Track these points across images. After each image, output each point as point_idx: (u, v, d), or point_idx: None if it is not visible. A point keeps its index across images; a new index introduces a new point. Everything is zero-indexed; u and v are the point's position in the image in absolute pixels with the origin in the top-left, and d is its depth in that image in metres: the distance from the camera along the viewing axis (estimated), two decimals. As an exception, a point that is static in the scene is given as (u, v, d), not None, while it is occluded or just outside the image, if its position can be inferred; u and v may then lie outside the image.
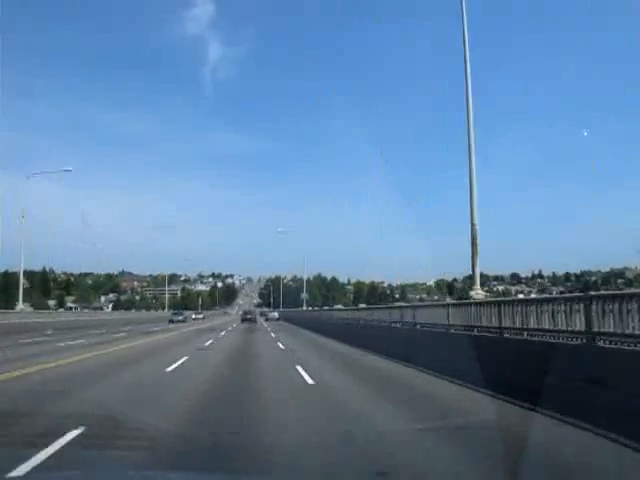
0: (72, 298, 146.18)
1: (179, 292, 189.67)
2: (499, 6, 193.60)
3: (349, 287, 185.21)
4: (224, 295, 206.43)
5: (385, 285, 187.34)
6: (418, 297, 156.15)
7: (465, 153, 14.38)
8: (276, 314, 74.97)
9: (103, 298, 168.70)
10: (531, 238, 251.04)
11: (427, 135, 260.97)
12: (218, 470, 4.69)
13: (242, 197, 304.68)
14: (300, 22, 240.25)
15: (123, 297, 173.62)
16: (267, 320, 68.72)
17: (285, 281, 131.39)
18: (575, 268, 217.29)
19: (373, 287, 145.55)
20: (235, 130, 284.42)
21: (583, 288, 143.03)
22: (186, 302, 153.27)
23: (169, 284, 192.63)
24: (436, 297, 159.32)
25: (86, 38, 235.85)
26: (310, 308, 64.64)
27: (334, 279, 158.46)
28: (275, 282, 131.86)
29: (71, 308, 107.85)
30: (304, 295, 47.46)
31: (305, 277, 46.32)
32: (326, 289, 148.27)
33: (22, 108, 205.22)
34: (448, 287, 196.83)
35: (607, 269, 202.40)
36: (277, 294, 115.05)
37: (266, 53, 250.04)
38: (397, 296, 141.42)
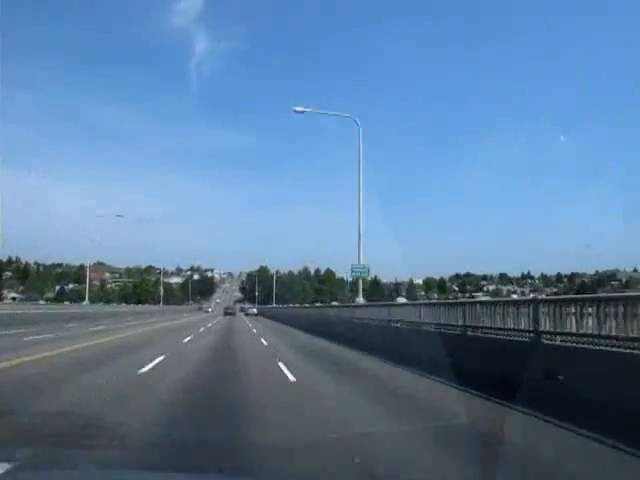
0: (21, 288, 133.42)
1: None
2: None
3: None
4: (200, 289, 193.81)
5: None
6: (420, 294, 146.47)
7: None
8: (255, 310, 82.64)
9: (58, 288, 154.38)
10: (519, 239, 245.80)
11: (411, 135, 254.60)
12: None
13: (227, 193, 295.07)
14: (287, 21, 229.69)
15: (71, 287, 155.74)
16: (247, 315, 74.75)
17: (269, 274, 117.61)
18: (564, 269, 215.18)
19: (376, 282, 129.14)
20: (223, 126, 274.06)
21: (579, 289, 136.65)
22: (140, 293, 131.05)
23: (145, 276, 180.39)
24: (435, 296, 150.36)
25: (83, 33, 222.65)
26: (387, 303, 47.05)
27: (330, 271, 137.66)
28: (262, 273, 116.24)
29: (14, 299, 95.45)
30: (357, 268, 23.08)
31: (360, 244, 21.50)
32: (319, 282, 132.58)
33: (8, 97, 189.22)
34: (439, 286, 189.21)
35: (592, 271, 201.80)
36: (263, 287, 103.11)
37: (255, 50, 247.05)
38: (404, 293, 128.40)
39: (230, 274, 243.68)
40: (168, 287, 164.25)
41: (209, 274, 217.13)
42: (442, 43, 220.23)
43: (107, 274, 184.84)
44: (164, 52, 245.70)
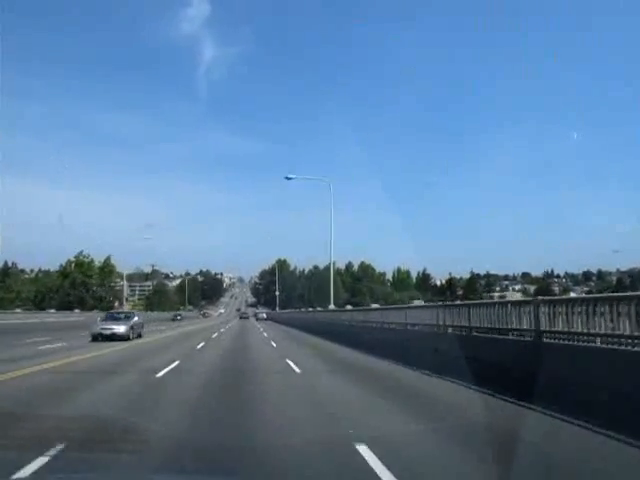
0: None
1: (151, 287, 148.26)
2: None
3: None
4: (206, 293, 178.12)
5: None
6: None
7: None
8: (264, 314, 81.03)
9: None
10: (536, 238, 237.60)
11: (418, 135, 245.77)
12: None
13: (236, 198, 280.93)
14: (290, 24, 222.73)
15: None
16: (257, 320, 73.01)
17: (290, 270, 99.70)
18: (583, 267, 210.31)
19: (425, 277, 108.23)
20: (232, 132, 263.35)
21: (617, 288, 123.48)
22: (67, 291, 71.73)
23: (147, 280, 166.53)
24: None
25: (83, 37, 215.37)
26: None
27: (367, 265, 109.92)
28: (283, 267, 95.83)
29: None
30: None
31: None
32: (353, 280, 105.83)
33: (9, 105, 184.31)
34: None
35: (613, 269, 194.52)
36: (282, 287, 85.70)
37: (259, 55, 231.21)
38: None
39: (241, 279, 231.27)
40: (160, 289, 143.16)
41: (218, 277, 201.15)
42: (450, 44, 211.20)
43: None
44: (168, 58, 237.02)
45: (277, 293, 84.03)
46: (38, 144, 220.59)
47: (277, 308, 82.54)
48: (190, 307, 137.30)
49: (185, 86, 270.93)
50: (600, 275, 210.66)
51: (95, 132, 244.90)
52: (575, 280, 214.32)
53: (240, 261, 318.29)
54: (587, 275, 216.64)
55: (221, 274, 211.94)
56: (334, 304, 51.70)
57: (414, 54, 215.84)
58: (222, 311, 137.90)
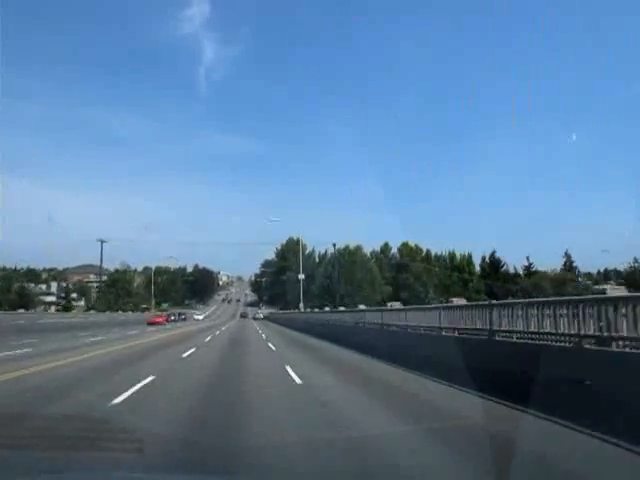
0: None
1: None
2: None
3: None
4: (195, 289, 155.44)
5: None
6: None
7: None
8: (261, 314, 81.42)
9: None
10: (540, 237, 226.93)
11: (417, 134, 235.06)
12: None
13: (235, 198, 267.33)
14: (289, 21, 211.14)
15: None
16: (255, 319, 71.80)
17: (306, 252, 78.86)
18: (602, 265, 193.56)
19: (494, 263, 79.83)
20: (232, 132, 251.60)
21: None
22: None
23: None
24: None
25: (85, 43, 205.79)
26: None
27: (411, 249, 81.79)
28: (292, 248, 74.17)
29: None
30: None
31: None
32: (395, 268, 79.57)
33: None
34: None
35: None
36: (291, 278, 64.79)
37: (258, 53, 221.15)
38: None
39: (240, 278, 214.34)
40: (119, 280, 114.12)
41: (212, 274, 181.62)
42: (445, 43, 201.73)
43: (91, 276, 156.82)
44: (167, 58, 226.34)
45: (301, 277, 55.34)
46: (36, 144, 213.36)
47: (301, 305, 53.72)
48: (165, 305, 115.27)
49: (185, 86, 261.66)
50: (619, 274, 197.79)
51: (95, 133, 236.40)
52: (594, 279, 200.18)
53: (240, 262, 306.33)
54: (606, 274, 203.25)
55: (218, 272, 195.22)
56: (367, 303, 31.16)
57: (414, 53, 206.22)
58: (199, 317, 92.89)
